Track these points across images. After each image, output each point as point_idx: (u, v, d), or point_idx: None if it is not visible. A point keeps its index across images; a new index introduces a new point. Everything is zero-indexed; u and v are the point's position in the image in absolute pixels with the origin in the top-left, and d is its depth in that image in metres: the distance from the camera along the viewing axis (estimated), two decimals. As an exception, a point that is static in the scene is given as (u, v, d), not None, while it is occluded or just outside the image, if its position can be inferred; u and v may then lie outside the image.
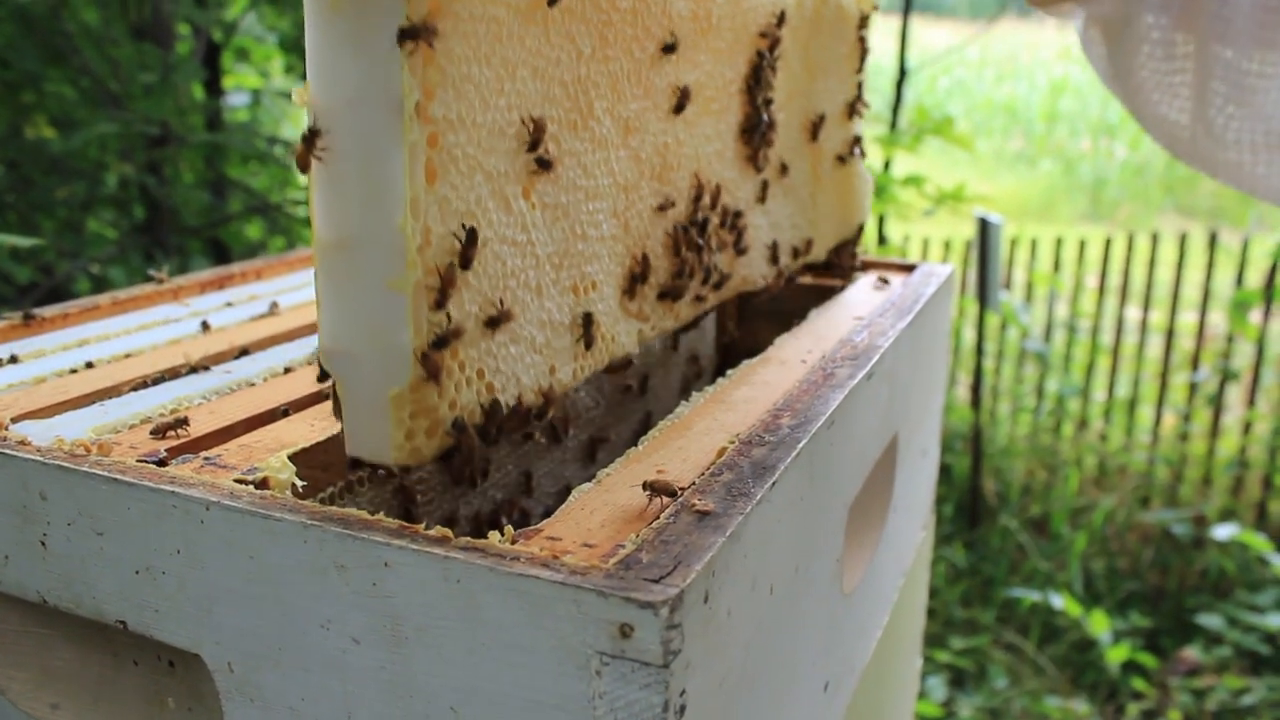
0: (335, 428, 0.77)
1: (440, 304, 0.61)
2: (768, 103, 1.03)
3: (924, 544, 1.34)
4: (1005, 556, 4.45)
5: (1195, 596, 4.21)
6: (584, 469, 1.08)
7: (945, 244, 5.64)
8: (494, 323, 0.66)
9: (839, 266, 1.30)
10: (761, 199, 1.05)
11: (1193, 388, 5.01)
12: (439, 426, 0.63)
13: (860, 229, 1.29)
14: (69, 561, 0.68)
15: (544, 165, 0.70)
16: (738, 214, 1.00)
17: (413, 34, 0.56)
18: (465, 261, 0.63)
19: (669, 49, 0.85)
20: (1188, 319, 5.28)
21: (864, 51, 1.24)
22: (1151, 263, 5.10)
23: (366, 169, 0.58)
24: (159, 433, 0.76)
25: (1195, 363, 5.03)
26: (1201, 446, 4.93)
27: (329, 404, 0.83)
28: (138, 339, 1.00)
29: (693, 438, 0.73)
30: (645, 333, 0.88)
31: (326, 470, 0.75)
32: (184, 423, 0.77)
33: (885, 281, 1.24)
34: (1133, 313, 5.48)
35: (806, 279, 1.40)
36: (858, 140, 1.26)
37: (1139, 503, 4.82)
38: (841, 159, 1.20)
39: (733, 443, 0.70)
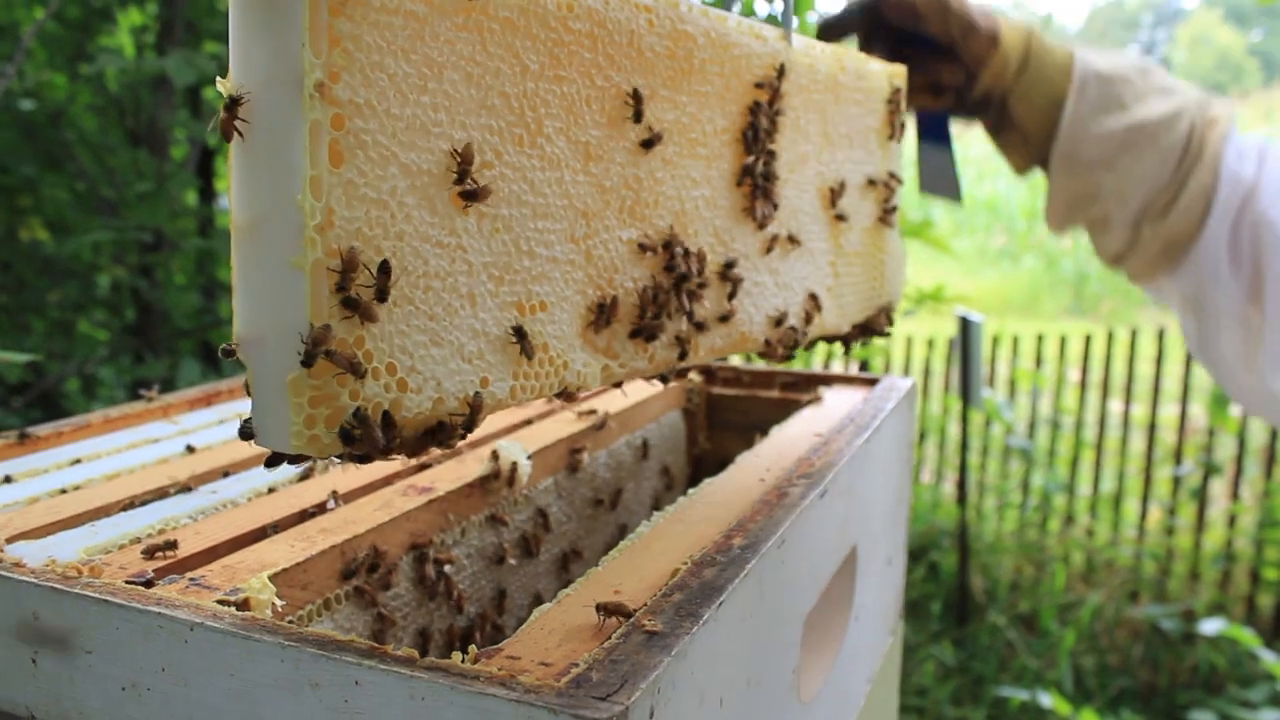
0: (315, 548, 0.82)
1: (342, 287, 0.62)
2: (767, 155, 1.00)
3: (892, 649, 1.38)
4: (994, 654, 4.44)
5: (1187, 692, 4.20)
6: (557, 580, 1.12)
7: (928, 341, 5.73)
8: (357, 309, 0.63)
9: (866, 336, 1.24)
10: (764, 255, 1.02)
11: (1176, 481, 5.06)
12: (339, 415, 0.63)
13: (885, 309, 1.24)
14: (58, 680, 0.72)
15: (469, 197, 0.70)
16: (730, 263, 0.97)
17: None
18: (381, 294, 0.63)
19: (638, 114, 0.84)
20: (1169, 412, 5.35)
21: (895, 124, 1.22)
22: (1131, 357, 5.19)
23: (272, 147, 0.60)
24: (149, 554, 0.80)
25: (1178, 456, 5.09)
26: (1188, 540, 4.96)
27: (311, 524, 0.88)
28: (128, 458, 1.04)
29: (650, 558, 0.78)
30: (613, 370, 0.85)
31: (305, 589, 0.79)
32: (173, 545, 0.81)
33: (819, 399, 1.27)
34: (1115, 407, 5.54)
35: (774, 393, 1.46)
36: (887, 214, 1.22)
37: (1127, 598, 4.83)
38: (841, 218, 1.14)
39: (686, 564, 0.75)
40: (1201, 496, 4.90)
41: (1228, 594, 4.77)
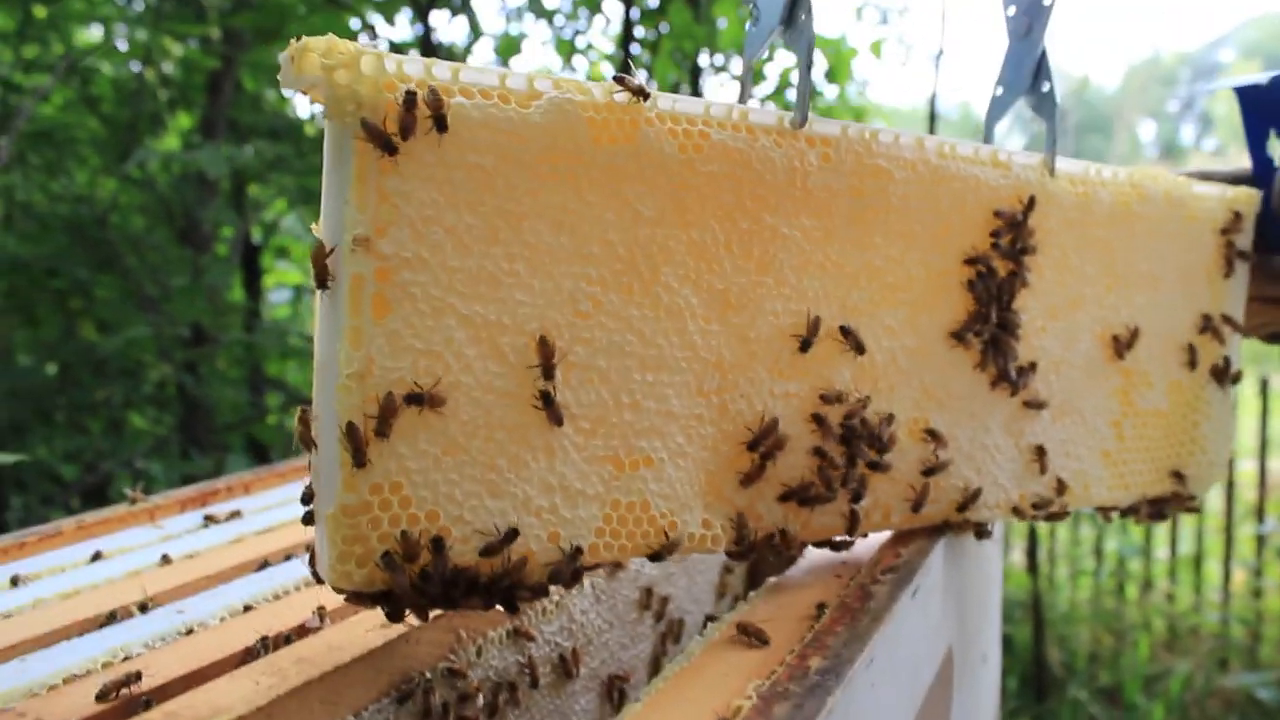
0: (283, 687, 0.66)
1: (381, 433, 0.60)
2: (1002, 300, 0.86)
3: (992, 757, 1.19)
4: (1077, 731, 4.16)
5: (1291, 766, 3.90)
6: (603, 705, 0.95)
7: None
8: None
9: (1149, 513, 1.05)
10: (1010, 416, 0.88)
11: (1260, 540, 4.78)
12: (369, 557, 0.60)
13: (1183, 487, 1.04)
14: None
15: (547, 402, 0.65)
16: (935, 428, 0.85)
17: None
18: (381, 430, 0.60)
19: (858, 347, 0.77)
20: (1246, 468, 5.08)
21: (1231, 260, 1.03)
22: (1203, 412, 4.94)
23: (333, 295, 0.60)
24: (102, 696, 0.66)
25: (1260, 513, 4.81)
26: (1277, 602, 4.67)
27: (287, 651, 0.72)
28: (92, 571, 0.90)
29: (704, 686, 0.62)
30: (753, 531, 0.76)
31: (271, 741, 0.63)
32: (137, 677, 0.67)
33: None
34: (1189, 465, 5.28)
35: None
36: (1217, 369, 1.03)
37: (1217, 666, 4.53)
38: (1133, 371, 0.97)
39: (750, 698, 0.58)
40: (1289, 554, 4.62)
41: (1327, 658, 4.46)
